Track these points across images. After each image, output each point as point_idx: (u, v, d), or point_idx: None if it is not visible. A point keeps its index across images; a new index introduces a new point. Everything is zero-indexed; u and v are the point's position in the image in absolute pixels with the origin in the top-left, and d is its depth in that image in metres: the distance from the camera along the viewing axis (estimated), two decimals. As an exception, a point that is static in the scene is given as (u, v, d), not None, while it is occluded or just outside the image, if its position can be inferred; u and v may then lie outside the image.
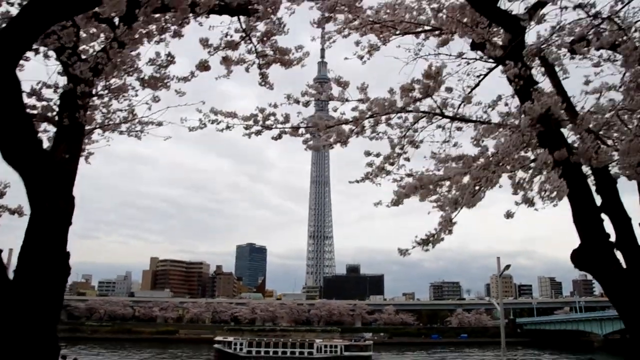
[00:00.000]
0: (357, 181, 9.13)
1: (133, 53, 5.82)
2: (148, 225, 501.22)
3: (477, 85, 9.11)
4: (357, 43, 9.22)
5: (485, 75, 8.88)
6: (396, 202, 6.38)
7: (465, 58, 8.89)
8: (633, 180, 7.25)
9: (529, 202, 4.43)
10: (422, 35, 8.76)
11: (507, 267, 26.61)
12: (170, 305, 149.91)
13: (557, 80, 8.40)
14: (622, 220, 6.83)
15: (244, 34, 5.72)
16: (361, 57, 9.46)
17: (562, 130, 7.21)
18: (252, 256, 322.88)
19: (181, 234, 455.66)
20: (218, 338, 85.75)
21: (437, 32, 8.59)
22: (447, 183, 7.00)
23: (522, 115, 5.07)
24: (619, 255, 6.99)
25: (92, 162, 8.35)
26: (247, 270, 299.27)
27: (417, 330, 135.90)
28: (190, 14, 5.63)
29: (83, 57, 6.42)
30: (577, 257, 6.18)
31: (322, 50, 6.11)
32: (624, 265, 6.87)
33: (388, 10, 8.50)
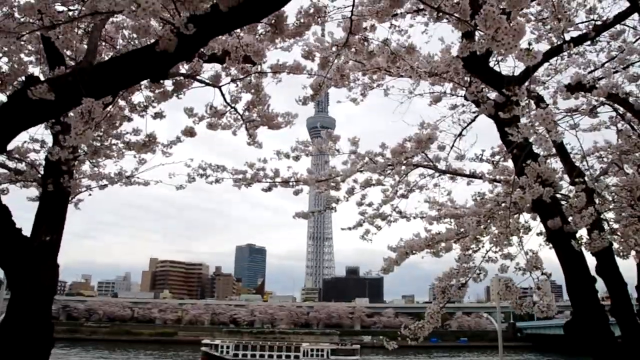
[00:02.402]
0: (350, 228, 9.04)
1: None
2: (147, 225, 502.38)
3: (465, 127, 9.01)
4: (350, 89, 9.12)
5: (471, 121, 8.78)
6: (386, 270, 6.26)
7: (461, 95, 8.83)
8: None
9: (519, 306, 4.30)
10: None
11: (507, 280, 26.41)
12: (169, 306, 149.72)
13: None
14: (617, 285, 6.70)
15: (228, 107, 5.58)
16: (354, 100, 9.36)
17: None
18: (252, 257, 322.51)
19: (180, 234, 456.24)
20: (205, 341, 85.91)
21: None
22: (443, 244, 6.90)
23: (512, 201, 4.90)
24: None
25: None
26: (247, 271, 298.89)
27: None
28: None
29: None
30: (570, 329, 6.06)
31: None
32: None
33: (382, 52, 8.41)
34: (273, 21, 3.91)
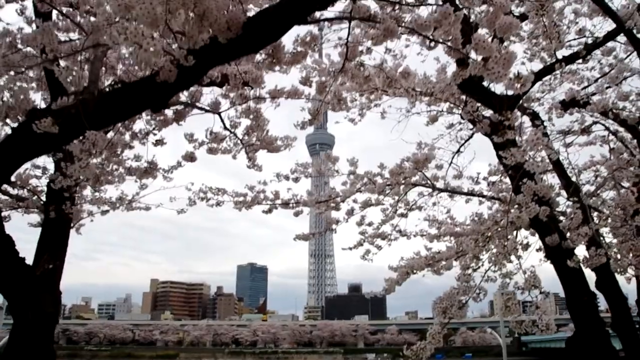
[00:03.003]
0: (350, 248, 9.08)
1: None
2: (148, 246, 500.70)
3: (463, 144, 9.09)
4: (348, 109, 9.25)
5: (468, 139, 8.88)
6: (388, 291, 6.30)
7: (458, 113, 8.94)
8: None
9: (519, 325, 4.34)
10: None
11: (508, 295, 26.31)
12: (170, 328, 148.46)
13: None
14: (617, 300, 6.73)
15: (228, 132, 5.67)
16: (352, 120, 9.48)
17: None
18: (254, 276, 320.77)
19: (181, 254, 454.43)
20: None
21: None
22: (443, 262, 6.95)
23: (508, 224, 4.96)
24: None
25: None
26: (249, 291, 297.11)
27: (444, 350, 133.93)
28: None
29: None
30: (572, 346, 6.07)
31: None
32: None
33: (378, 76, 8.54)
34: (271, 51, 4.01)
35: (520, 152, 3.87)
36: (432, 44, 3.30)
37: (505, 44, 8.39)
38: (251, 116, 5.40)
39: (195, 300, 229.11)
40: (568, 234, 5.87)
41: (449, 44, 3.25)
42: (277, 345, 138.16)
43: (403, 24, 3.38)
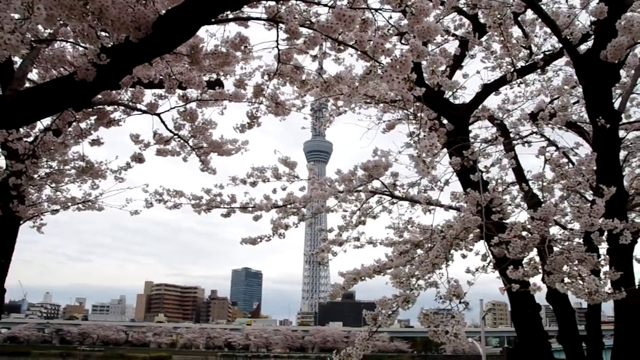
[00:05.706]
0: (313, 254, 9.04)
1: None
2: (141, 248, 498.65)
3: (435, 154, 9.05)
4: (318, 118, 9.24)
5: (442, 147, 8.85)
6: (333, 296, 6.24)
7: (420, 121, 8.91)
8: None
9: (435, 334, 4.27)
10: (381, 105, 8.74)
11: (487, 312, 26.28)
12: (163, 330, 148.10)
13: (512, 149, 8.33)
14: (565, 312, 6.69)
15: (172, 134, 5.62)
16: (322, 126, 9.46)
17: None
18: (248, 281, 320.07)
19: (175, 258, 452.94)
20: None
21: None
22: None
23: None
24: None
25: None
26: (243, 295, 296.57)
27: (411, 357, 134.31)
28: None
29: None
30: (513, 357, 6.01)
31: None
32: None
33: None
34: (192, 52, 3.97)
35: (461, 160, 3.82)
36: (340, 46, 3.27)
37: (472, 52, 8.41)
38: (188, 118, 5.34)
39: (190, 304, 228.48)
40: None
41: (355, 47, 3.22)
42: (269, 350, 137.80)
43: (313, 27, 3.34)
